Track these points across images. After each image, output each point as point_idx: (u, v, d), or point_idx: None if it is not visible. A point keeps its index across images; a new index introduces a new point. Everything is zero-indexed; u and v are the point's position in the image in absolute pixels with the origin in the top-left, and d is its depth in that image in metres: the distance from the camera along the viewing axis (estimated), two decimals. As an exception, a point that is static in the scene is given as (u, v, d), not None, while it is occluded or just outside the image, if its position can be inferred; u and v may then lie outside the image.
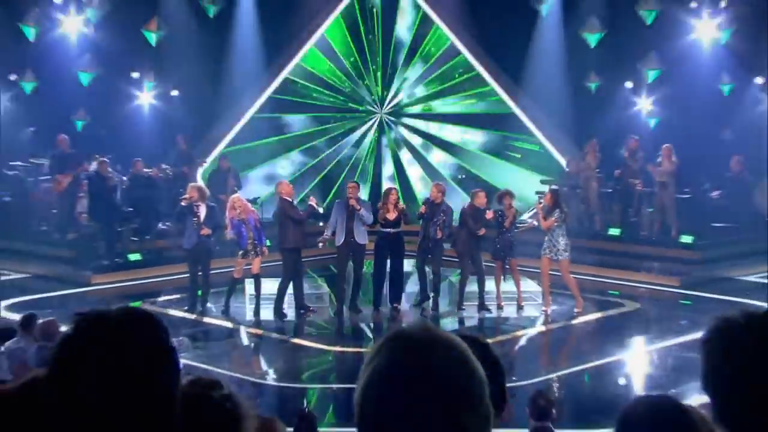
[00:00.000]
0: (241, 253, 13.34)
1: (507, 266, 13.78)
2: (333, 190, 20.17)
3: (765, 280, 15.54)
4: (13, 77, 18.73)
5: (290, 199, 13.52)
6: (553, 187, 14.55)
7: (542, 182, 18.05)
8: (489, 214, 13.56)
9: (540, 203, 13.85)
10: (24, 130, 18.73)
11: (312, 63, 20.69)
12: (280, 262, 13.40)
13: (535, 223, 14.54)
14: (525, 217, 14.81)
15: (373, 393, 1.69)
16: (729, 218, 17.33)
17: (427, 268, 13.88)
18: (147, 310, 1.97)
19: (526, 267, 14.34)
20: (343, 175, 20.54)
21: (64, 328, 8.84)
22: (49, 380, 1.87)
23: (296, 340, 12.70)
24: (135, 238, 16.42)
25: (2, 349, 8.59)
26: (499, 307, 13.75)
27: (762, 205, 18.07)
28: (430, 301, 13.79)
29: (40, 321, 9.39)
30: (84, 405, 1.83)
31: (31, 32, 18.47)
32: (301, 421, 6.05)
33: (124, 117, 19.23)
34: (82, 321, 1.91)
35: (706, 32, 18.78)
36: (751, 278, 15.74)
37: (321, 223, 15.18)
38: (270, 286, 13.51)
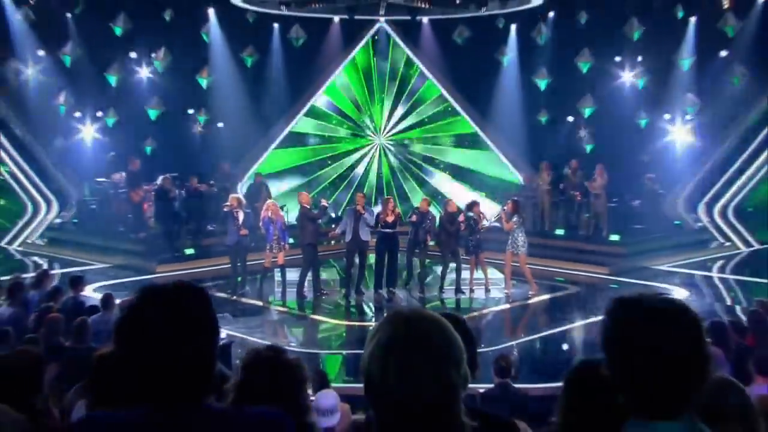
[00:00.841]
0: (268, 247, 13.23)
1: (477, 259, 13.72)
2: (348, 198, 19.72)
3: (672, 269, 15.62)
4: (99, 114, 18.70)
5: (308, 206, 13.36)
6: (515, 198, 14.44)
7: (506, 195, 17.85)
8: (461, 218, 13.46)
9: (504, 210, 13.85)
10: (107, 153, 18.53)
11: (332, 94, 20.50)
12: (301, 255, 13.31)
13: (497, 224, 14.62)
14: (492, 220, 14.71)
15: (377, 360, 1.69)
16: (646, 221, 17.37)
17: (415, 260, 13.81)
18: (195, 283, 1.98)
19: (493, 259, 14.17)
20: (345, 183, 20.42)
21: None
22: (117, 335, 1.86)
23: (314, 316, 12.67)
24: (189, 237, 16.34)
25: (90, 321, 8.57)
26: (471, 291, 13.67)
27: (672, 212, 18.26)
28: (417, 285, 13.70)
29: (118, 300, 9.35)
30: (143, 355, 1.82)
31: (113, 79, 18.48)
32: (315, 376, 6.01)
33: (182, 143, 19.10)
34: (145, 290, 1.91)
35: (628, 79, 18.85)
36: (663, 267, 15.68)
37: (333, 225, 15.15)
38: (293, 274, 13.42)
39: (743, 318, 9.26)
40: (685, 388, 1.77)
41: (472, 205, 13.97)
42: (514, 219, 13.29)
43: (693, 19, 17.68)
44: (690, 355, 1.77)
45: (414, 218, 13.51)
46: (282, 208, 14.89)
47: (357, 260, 13.39)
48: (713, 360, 1.87)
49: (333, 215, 17.15)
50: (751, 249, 17.67)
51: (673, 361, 1.75)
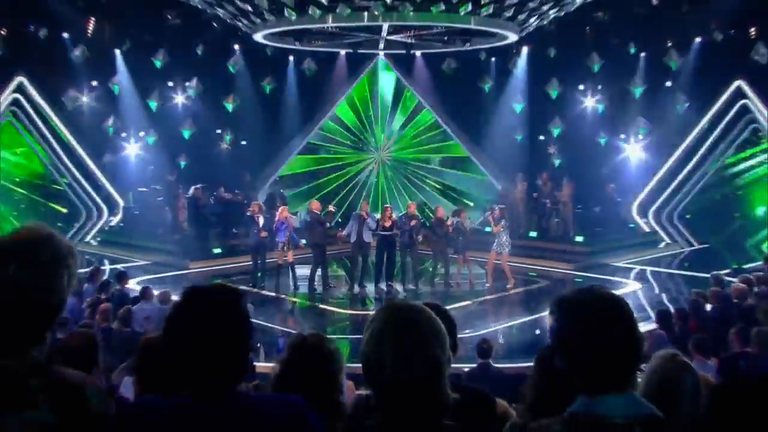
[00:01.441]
0: (280, 246, 13.15)
1: (464, 257, 13.73)
2: (346, 203, 19.82)
3: (627, 265, 15.63)
4: (141, 134, 18.72)
5: (318, 212, 13.41)
6: (501, 206, 14.34)
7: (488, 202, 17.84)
8: (449, 222, 13.46)
9: (489, 214, 13.71)
10: (147, 167, 18.60)
11: (339, 116, 20.46)
12: (311, 254, 13.34)
13: (479, 227, 14.60)
14: (475, 223, 14.69)
15: (373, 344, 1.70)
16: (605, 225, 17.34)
17: (408, 259, 13.67)
18: (232, 286, 1.94)
19: (477, 258, 14.16)
20: (347, 190, 20.30)
21: (173, 297, 9.00)
22: (167, 330, 1.84)
23: (322, 306, 12.61)
24: (217, 238, 16.31)
25: (132, 309, 8.61)
26: (458, 284, 13.65)
27: (627, 216, 18.28)
28: (411, 279, 13.60)
29: (157, 292, 9.44)
30: (190, 346, 1.79)
31: (153, 105, 18.50)
32: None
33: (210, 159, 19.06)
34: (189, 291, 1.88)
35: (590, 104, 18.89)
36: (620, 264, 15.67)
37: (340, 228, 15.11)
38: (304, 270, 13.38)
39: (686, 306, 9.25)
40: (623, 367, 1.77)
41: (459, 212, 14.00)
42: (502, 223, 13.25)
43: (643, 55, 17.77)
44: (625, 341, 1.77)
45: (413, 223, 13.31)
46: (294, 213, 14.87)
47: (360, 258, 13.36)
48: (644, 343, 1.85)
49: (339, 219, 17.11)
50: (692, 248, 17.67)
51: (611, 347, 1.75)
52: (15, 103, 17.62)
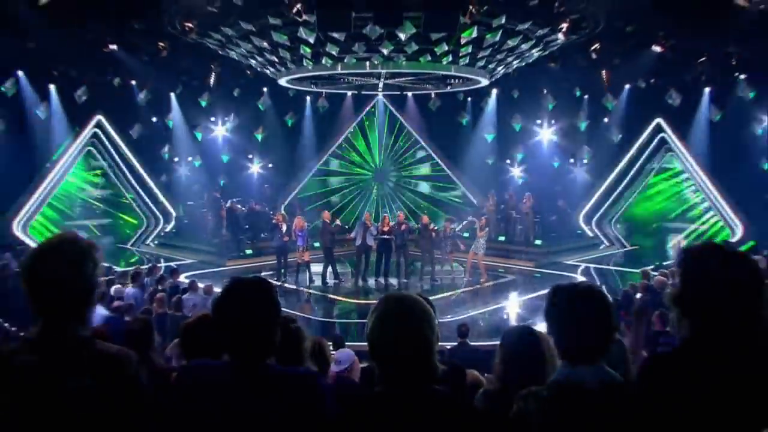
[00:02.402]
0: (300, 248, 13.08)
1: (448, 257, 13.71)
2: (362, 215, 19.75)
3: (575, 263, 15.56)
4: (189, 158, 18.71)
5: (329, 221, 13.39)
6: (486, 216, 14.43)
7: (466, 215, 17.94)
8: (433, 228, 13.48)
9: (476, 223, 13.69)
10: (194, 185, 18.56)
11: (346, 143, 20.41)
12: (323, 255, 13.30)
13: (459, 232, 14.48)
14: (457, 230, 14.64)
15: (377, 328, 1.70)
16: (558, 231, 17.34)
17: (401, 259, 13.55)
18: (266, 278, 1.94)
19: (458, 258, 14.06)
20: (352, 201, 20.25)
21: (215, 288, 8.96)
22: (215, 312, 1.84)
23: (333, 296, 12.54)
24: (249, 242, 16.21)
25: (183, 298, 8.58)
26: (442, 279, 13.60)
27: (575, 224, 18.29)
28: (405, 275, 13.56)
29: (202, 285, 9.44)
30: (231, 327, 1.80)
31: (199, 135, 18.51)
32: (335, 339, 5.96)
33: (244, 178, 19.03)
34: (233, 281, 1.88)
35: (545, 136, 18.86)
36: (570, 262, 15.61)
37: (348, 235, 15.06)
38: (318, 268, 13.35)
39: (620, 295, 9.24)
40: (598, 343, 1.80)
41: (450, 220, 14.09)
42: (485, 230, 13.28)
43: (586, 97, 17.75)
44: (598, 323, 1.80)
45: (403, 227, 13.25)
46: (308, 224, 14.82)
47: (363, 258, 13.32)
48: (616, 326, 1.89)
49: (346, 227, 17.04)
50: (625, 249, 17.62)
51: (591, 327, 1.79)
52: (94, 135, 17.78)
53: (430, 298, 2.36)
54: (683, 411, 1.60)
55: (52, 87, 15.66)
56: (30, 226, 16.25)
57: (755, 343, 1.60)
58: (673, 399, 1.63)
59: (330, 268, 13.24)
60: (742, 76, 14.82)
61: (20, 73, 14.67)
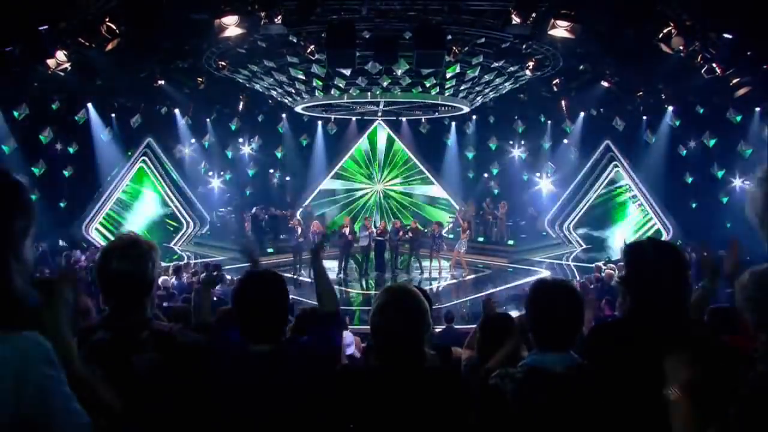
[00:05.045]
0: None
1: (436, 255, 13.63)
2: (363, 220, 19.68)
3: (542, 260, 15.51)
4: (221, 173, 18.59)
5: (347, 231, 13.39)
6: (467, 221, 14.38)
7: (450, 217, 17.90)
8: (422, 231, 13.54)
9: (460, 224, 13.61)
10: (225, 195, 18.53)
11: (351, 159, 20.35)
12: (336, 254, 13.28)
13: (445, 233, 14.43)
14: (444, 231, 14.58)
15: (378, 314, 1.67)
16: (528, 233, 17.27)
17: (395, 256, 13.53)
18: (276, 271, 1.91)
19: (445, 255, 13.94)
20: (356, 208, 19.94)
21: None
22: (233, 297, 1.82)
23: (341, 287, 12.46)
24: (270, 242, 16.11)
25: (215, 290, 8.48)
26: (430, 273, 13.50)
27: (542, 228, 18.24)
28: (399, 270, 13.54)
29: (228, 277, 9.40)
30: (249, 311, 1.77)
31: (229, 154, 18.39)
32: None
33: (266, 189, 18.91)
34: (249, 273, 1.89)
35: (516, 154, 18.74)
36: (537, 259, 15.56)
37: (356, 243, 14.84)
38: (329, 264, 13.18)
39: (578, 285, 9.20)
40: (568, 333, 1.75)
41: (438, 224, 14.04)
42: (467, 232, 13.27)
43: (549, 122, 17.67)
44: (568, 315, 1.75)
45: (398, 226, 13.27)
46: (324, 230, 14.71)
47: (365, 256, 13.31)
48: (586, 319, 1.86)
49: (356, 234, 16.94)
50: (582, 248, 17.55)
51: (559, 319, 1.74)
52: (145, 154, 17.82)
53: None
54: (623, 366, 1.60)
55: (113, 115, 15.80)
56: (94, 228, 16.59)
57: (681, 313, 1.68)
58: (615, 355, 1.65)
59: (343, 263, 13.23)
60: (670, 108, 15.04)
61: (89, 104, 14.91)
